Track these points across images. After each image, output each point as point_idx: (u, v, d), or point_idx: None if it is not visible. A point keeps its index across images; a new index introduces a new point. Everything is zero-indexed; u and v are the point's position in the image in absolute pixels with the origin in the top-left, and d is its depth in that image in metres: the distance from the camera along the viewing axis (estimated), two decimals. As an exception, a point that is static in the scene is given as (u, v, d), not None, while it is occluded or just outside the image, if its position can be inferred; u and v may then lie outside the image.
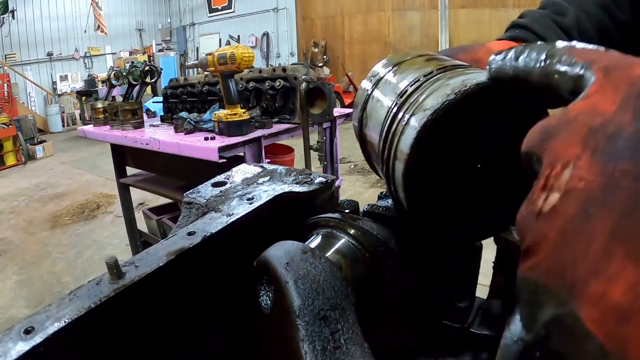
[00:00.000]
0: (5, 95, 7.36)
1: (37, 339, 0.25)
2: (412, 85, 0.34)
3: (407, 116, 0.32)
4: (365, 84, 0.42)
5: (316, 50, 9.87)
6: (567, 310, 0.15)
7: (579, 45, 0.23)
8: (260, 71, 2.39)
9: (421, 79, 0.34)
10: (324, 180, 0.46)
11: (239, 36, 11.16)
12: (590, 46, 0.22)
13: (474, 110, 0.29)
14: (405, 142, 0.30)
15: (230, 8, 11.45)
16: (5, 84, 7.45)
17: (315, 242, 0.37)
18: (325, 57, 9.55)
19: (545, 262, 0.17)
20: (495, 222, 0.35)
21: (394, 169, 0.32)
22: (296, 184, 0.46)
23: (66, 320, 0.27)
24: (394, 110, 0.34)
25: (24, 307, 2.81)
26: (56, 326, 0.26)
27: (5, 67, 9.13)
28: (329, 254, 0.35)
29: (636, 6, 0.51)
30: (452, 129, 0.30)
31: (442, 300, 0.42)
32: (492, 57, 0.27)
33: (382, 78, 0.40)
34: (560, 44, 0.23)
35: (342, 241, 0.36)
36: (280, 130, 2.19)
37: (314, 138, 2.28)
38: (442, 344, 0.42)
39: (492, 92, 0.28)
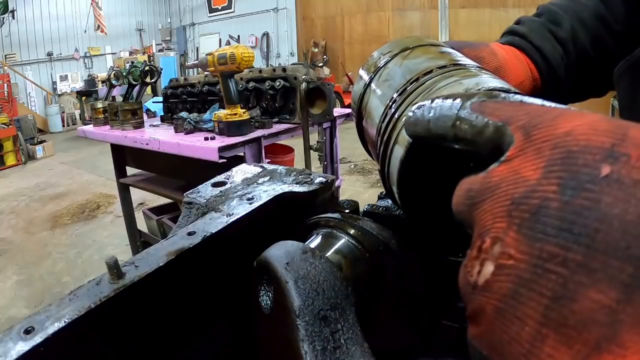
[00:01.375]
0: (5, 95, 7.37)
1: (37, 339, 0.25)
2: (424, 75, 0.34)
3: (416, 103, 0.32)
4: (372, 64, 0.42)
5: (316, 50, 9.87)
6: None
7: (490, 102, 0.21)
8: (260, 71, 2.39)
9: (434, 70, 0.34)
10: (324, 180, 0.46)
11: (239, 36, 11.16)
12: (505, 101, 0.21)
13: None
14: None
15: (230, 8, 11.44)
16: (5, 84, 7.46)
17: (315, 242, 0.37)
18: (325, 57, 9.56)
19: (486, 334, 0.17)
20: None
21: (391, 152, 0.32)
22: (296, 184, 0.46)
23: (66, 320, 0.27)
24: (403, 96, 0.34)
25: (24, 307, 2.81)
26: (56, 326, 0.26)
27: (5, 67, 9.13)
28: (329, 254, 0.35)
29: (631, 16, 0.51)
30: None
31: (442, 300, 0.42)
32: (411, 111, 0.26)
33: (391, 60, 0.40)
34: (468, 102, 0.22)
35: (342, 241, 0.36)
36: (280, 130, 2.19)
37: (314, 138, 2.28)
38: (442, 344, 0.42)
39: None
